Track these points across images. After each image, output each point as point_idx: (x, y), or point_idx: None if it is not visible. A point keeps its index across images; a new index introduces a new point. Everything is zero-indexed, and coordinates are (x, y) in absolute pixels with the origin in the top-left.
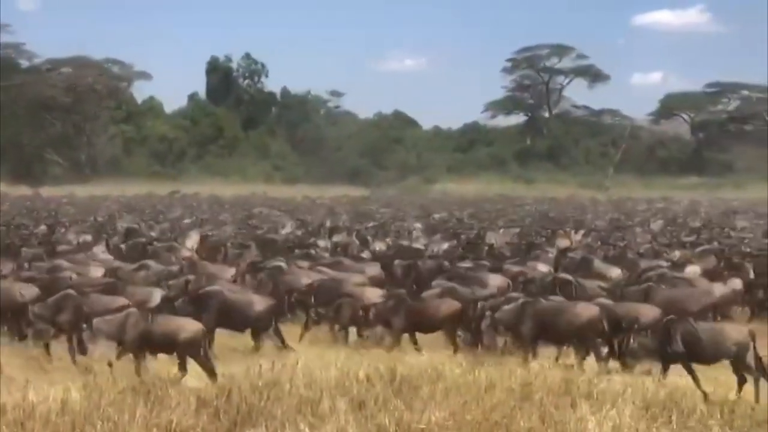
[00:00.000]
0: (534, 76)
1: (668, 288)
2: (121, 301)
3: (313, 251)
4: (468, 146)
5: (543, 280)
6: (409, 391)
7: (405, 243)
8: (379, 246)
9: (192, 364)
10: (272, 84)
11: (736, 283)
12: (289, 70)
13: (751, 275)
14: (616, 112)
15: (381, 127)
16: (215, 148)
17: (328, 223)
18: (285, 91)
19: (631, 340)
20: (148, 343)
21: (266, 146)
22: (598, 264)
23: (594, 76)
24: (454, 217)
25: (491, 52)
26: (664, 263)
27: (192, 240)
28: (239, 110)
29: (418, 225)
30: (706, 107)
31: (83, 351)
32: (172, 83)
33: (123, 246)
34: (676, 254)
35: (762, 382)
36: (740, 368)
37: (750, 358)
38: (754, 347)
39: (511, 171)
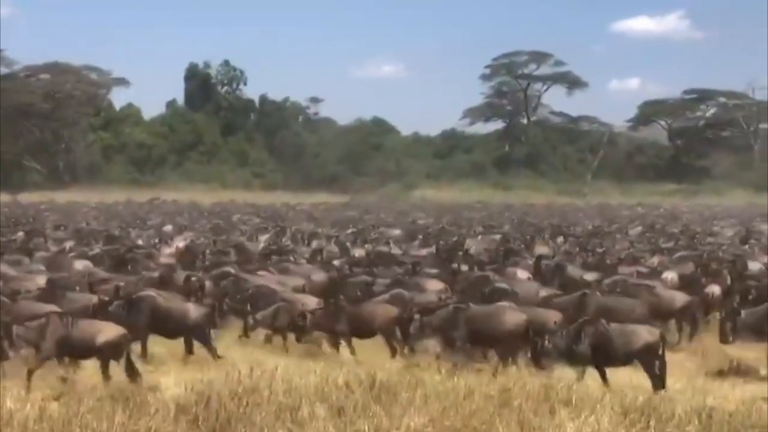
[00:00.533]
0: (512, 82)
1: (604, 296)
2: (49, 307)
3: (292, 258)
4: (447, 153)
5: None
6: (388, 398)
7: (383, 249)
8: (358, 252)
9: (173, 371)
10: (251, 91)
11: (715, 290)
12: (268, 77)
13: (728, 281)
14: (594, 119)
15: (360, 134)
16: (194, 154)
17: (307, 230)
18: (264, 98)
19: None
20: (67, 349)
21: (245, 153)
22: (571, 270)
23: (572, 82)
24: (435, 224)
25: (470, 58)
26: (643, 269)
27: (171, 247)
28: (218, 117)
29: (397, 231)
30: (684, 114)
31: (4, 357)
32: (151, 90)
33: (103, 253)
34: (655, 260)
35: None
36: (649, 369)
37: (660, 358)
38: (663, 349)
39: (490, 177)
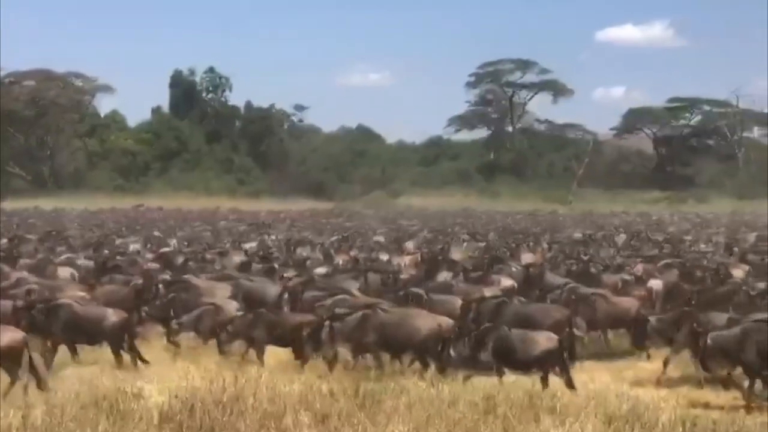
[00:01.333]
0: (497, 90)
1: (526, 305)
2: None
3: (275, 265)
4: (432, 160)
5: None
6: (372, 405)
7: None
8: (342, 259)
9: (157, 378)
10: (236, 98)
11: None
12: (253, 84)
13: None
14: (580, 127)
15: (345, 141)
16: (179, 161)
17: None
18: (249, 105)
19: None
20: None
21: (230, 160)
22: (549, 277)
23: (557, 90)
24: (420, 231)
25: (455, 66)
26: (628, 277)
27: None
28: (203, 124)
29: (382, 239)
30: (669, 122)
31: None
32: (136, 97)
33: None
34: (640, 268)
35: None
36: (546, 373)
37: (560, 363)
38: (563, 353)
39: (475, 185)
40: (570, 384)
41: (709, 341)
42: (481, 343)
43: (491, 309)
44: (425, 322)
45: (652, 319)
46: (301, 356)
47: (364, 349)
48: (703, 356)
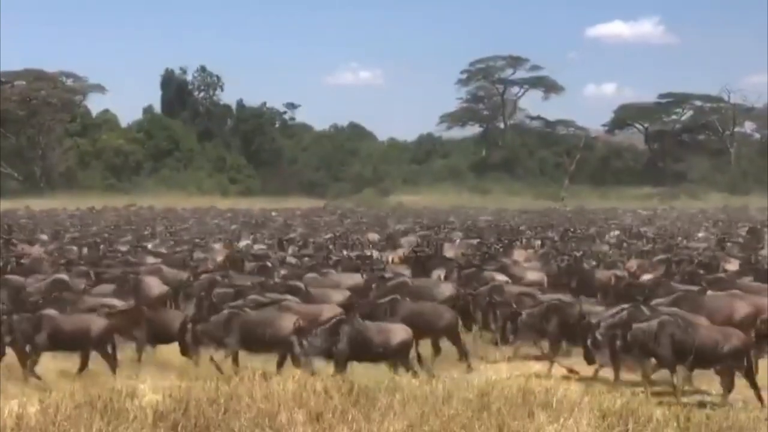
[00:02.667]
0: (489, 87)
1: (413, 302)
2: None
3: (269, 263)
4: (424, 158)
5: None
6: (366, 403)
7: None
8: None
9: (151, 377)
10: (228, 96)
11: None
12: (245, 83)
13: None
14: (571, 123)
15: (336, 139)
16: (171, 161)
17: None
18: (240, 104)
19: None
20: None
21: (222, 159)
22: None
23: (548, 87)
24: (412, 229)
25: (446, 63)
26: (620, 273)
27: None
28: (195, 123)
29: (375, 236)
30: (660, 118)
31: None
32: (127, 96)
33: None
34: (633, 264)
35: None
36: (399, 365)
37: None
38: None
39: (467, 182)
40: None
41: (629, 335)
42: (336, 335)
43: (384, 305)
44: (287, 319)
45: (524, 313)
46: (186, 353)
47: (229, 349)
48: (587, 347)
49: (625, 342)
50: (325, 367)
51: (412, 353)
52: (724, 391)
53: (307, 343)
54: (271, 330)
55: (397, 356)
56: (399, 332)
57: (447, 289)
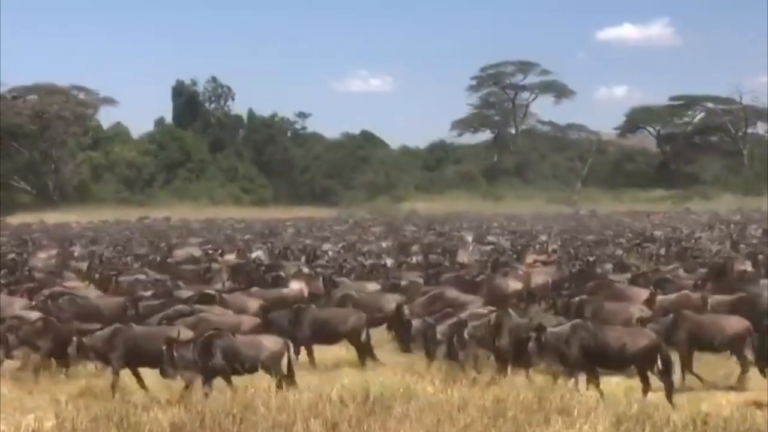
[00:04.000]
0: (499, 93)
1: (324, 310)
2: None
3: (282, 273)
4: (436, 164)
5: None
6: (382, 411)
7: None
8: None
9: (168, 389)
10: (238, 107)
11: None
12: (255, 93)
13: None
14: (582, 127)
15: (348, 147)
16: (183, 172)
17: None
18: (251, 114)
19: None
20: None
21: (234, 169)
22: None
23: (559, 91)
24: (425, 235)
25: (456, 70)
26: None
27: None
28: (206, 134)
29: (387, 244)
30: (672, 120)
31: None
32: (139, 108)
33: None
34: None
35: None
36: (273, 374)
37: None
38: (290, 356)
39: (479, 188)
40: (287, 383)
41: (543, 338)
42: (208, 348)
43: (291, 314)
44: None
45: (415, 321)
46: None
47: (114, 365)
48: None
49: (539, 344)
50: (340, 376)
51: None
52: (643, 391)
53: (178, 356)
54: (155, 345)
55: (266, 368)
56: (270, 344)
57: (393, 300)
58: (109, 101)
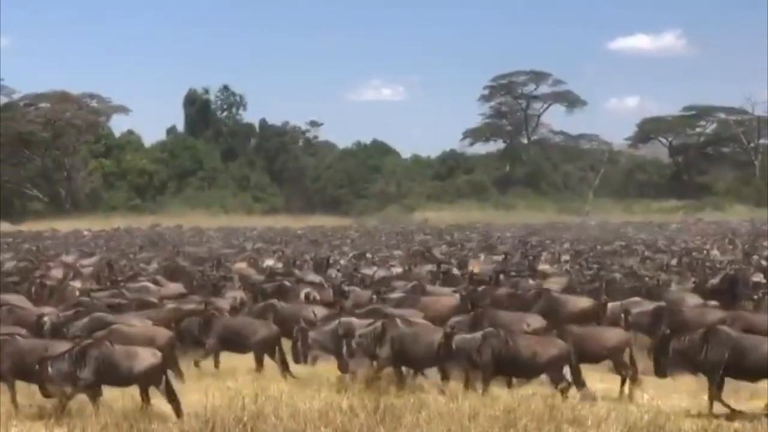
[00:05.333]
0: (511, 102)
1: (235, 319)
2: None
3: (287, 283)
4: (447, 174)
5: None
6: (392, 421)
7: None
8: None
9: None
10: (251, 115)
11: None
12: (268, 102)
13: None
14: (594, 137)
15: (360, 157)
16: (195, 180)
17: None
18: (263, 123)
19: None
20: None
21: (246, 178)
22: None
23: (571, 101)
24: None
25: (468, 79)
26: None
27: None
28: (218, 142)
29: (399, 252)
30: (684, 130)
31: None
32: (151, 117)
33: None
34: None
35: None
36: (158, 387)
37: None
38: (165, 370)
39: (491, 198)
40: (171, 400)
41: (453, 344)
42: (83, 359)
43: (202, 322)
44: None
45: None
46: None
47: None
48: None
49: (450, 351)
50: (350, 384)
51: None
52: (561, 392)
53: (54, 371)
54: (37, 359)
55: (143, 381)
56: (147, 357)
57: (320, 312)
58: (122, 109)
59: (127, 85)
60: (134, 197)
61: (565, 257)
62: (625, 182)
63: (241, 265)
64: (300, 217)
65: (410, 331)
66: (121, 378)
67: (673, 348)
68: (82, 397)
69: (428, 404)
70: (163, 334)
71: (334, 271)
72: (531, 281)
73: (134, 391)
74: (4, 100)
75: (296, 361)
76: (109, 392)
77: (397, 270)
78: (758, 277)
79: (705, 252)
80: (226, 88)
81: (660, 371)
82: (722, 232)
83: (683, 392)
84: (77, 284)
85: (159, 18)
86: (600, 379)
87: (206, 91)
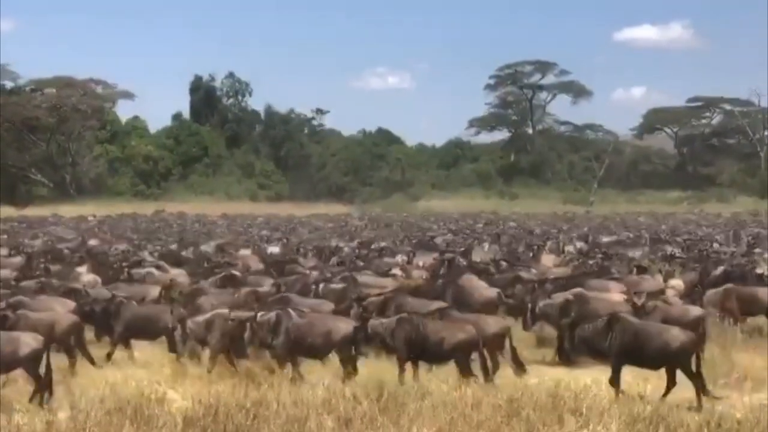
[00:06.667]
0: (517, 92)
1: (139, 307)
2: None
3: (142, 271)
4: (452, 163)
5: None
6: (395, 408)
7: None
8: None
9: (181, 383)
10: (256, 102)
11: None
12: (273, 89)
13: None
14: (600, 128)
15: (365, 145)
16: (200, 167)
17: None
18: (269, 110)
19: None
20: None
21: (251, 165)
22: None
23: (577, 91)
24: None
25: (474, 68)
26: (648, 277)
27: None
28: (223, 129)
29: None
30: (689, 122)
31: None
32: (157, 103)
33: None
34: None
35: None
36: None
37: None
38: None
39: (496, 187)
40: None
41: (369, 328)
42: None
43: (112, 308)
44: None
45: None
46: None
47: None
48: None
49: (366, 335)
50: (354, 372)
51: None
52: (463, 376)
53: None
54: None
55: (25, 366)
56: (29, 342)
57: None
58: (127, 95)
59: (133, 71)
60: (139, 183)
61: (569, 248)
62: (630, 173)
63: (245, 252)
64: (304, 205)
65: (304, 321)
66: (2, 364)
67: (579, 335)
68: (87, 381)
69: (431, 392)
70: (65, 320)
71: (336, 259)
72: (533, 270)
73: (138, 375)
74: (9, 85)
75: (171, 350)
76: (114, 378)
77: (403, 258)
78: (764, 269)
79: (709, 243)
80: (231, 74)
81: (564, 358)
82: (727, 224)
83: (686, 384)
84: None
85: (165, 4)
86: (603, 370)
87: (212, 78)
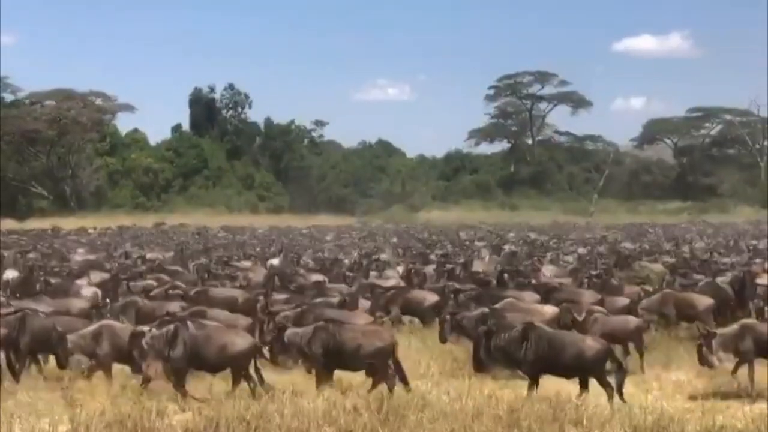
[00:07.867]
0: (517, 103)
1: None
2: None
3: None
4: (452, 174)
5: None
6: (396, 420)
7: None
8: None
9: (182, 395)
10: (256, 114)
11: None
12: (273, 101)
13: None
14: (599, 138)
15: (365, 156)
16: (200, 179)
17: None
18: (269, 122)
19: None
20: None
21: (251, 176)
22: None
23: (576, 102)
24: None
25: (474, 79)
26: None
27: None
28: (223, 141)
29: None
30: (689, 132)
31: None
32: (156, 115)
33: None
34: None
35: None
36: None
37: None
38: None
39: (496, 198)
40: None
41: (285, 338)
42: None
43: (16, 321)
44: None
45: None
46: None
47: None
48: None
49: (282, 344)
50: (355, 385)
51: None
52: (372, 386)
53: None
54: None
55: None
56: None
57: (177, 307)
58: (127, 107)
59: (133, 84)
60: (139, 195)
61: (569, 258)
62: (630, 183)
63: (246, 263)
64: (305, 217)
65: (202, 333)
66: None
67: (494, 345)
68: (86, 393)
69: (432, 404)
70: None
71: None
72: (533, 281)
73: (139, 387)
74: (9, 97)
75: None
76: (113, 389)
77: (400, 270)
78: (762, 280)
79: (709, 253)
80: (231, 86)
81: (479, 368)
82: (728, 234)
83: (687, 393)
84: None
85: (165, 16)
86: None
87: (212, 90)
